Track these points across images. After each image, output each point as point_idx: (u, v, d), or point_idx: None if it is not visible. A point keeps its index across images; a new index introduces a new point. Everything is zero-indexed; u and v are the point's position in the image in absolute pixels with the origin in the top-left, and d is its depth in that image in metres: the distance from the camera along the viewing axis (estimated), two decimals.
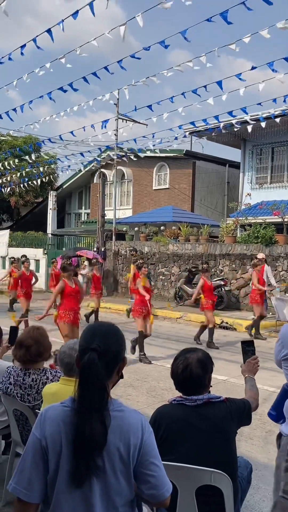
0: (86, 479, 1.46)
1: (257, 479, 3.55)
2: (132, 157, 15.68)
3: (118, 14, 75.47)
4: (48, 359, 3.20)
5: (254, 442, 4.43)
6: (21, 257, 12.79)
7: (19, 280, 11.23)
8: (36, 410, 2.80)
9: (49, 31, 6.97)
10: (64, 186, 28.04)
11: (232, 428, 2.24)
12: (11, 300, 13.09)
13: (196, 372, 2.23)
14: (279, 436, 2.50)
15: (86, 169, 22.57)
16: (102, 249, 17.27)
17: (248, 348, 2.73)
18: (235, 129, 12.73)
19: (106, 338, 1.58)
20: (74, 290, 6.91)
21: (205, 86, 8.82)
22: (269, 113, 12.14)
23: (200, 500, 2.05)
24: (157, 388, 6.12)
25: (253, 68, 7.86)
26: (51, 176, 24.64)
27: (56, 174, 26.18)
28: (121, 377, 1.67)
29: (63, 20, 6.78)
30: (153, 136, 13.47)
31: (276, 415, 2.61)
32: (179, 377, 2.26)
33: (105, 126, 12.45)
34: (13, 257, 15.17)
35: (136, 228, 18.66)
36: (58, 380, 2.94)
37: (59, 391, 2.69)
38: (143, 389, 6.08)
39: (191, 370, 2.23)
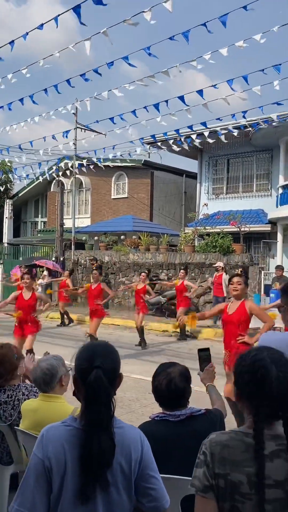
0: (92, 496, 1.50)
1: None
2: (91, 167, 15.69)
3: (68, 21, 75.31)
4: (14, 378, 3.11)
5: None
6: None
7: None
8: (15, 427, 2.77)
9: (12, 42, 6.93)
10: (20, 194, 27.54)
11: None
12: None
13: (180, 386, 2.28)
14: None
15: (43, 177, 22.31)
16: (61, 259, 17.09)
17: (205, 356, 2.77)
18: (196, 143, 13.06)
19: (105, 356, 1.63)
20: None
21: (166, 101, 9.05)
22: (226, 126, 12.57)
23: (185, 509, 2.11)
24: (124, 399, 6.15)
25: (214, 86, 8.15)
26: (8, 185, 24.14)
27: (12, 183, 25.68)
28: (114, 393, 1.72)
29: (27, 33, 6.76)
30: (113, 148, 13.56)
31: None
32: (163, 392, 2.28)
33: (66, 137, 12.42)
34: None
35: (96, 237, 18.63)
36: (34, 395, 2.93)
37: (39, 408, 2.69)
38: None
39: (176, 384, 2.27)
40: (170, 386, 2.27)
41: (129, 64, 7.13)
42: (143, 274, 10.47)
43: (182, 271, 10.98)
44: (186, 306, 10.47)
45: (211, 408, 2.48)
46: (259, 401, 1.38)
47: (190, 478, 2.11)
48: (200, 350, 2.79)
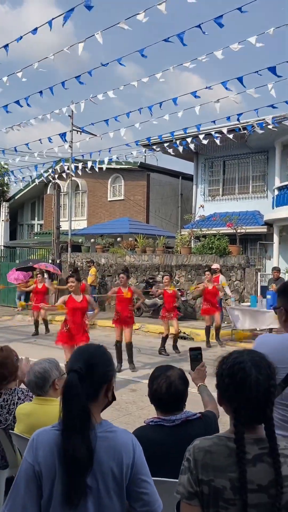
0: (78, 501, 1.48)
1: None
2: (87, 170, 15.69)
3: (62, 23, 75.43)
4: (15, 380, 3.13)
5: None
6: None
7: None
8: (10, 431, 2.75)
9: (6, 46, 6.93)
10: (16, 197, 27.49)
11: None
12: None
13: (181, 389, 2.27)
14: None
15: (39, 180, 22.28)
16: (58, 261, 17.06)
17: (196, 355, 2.75)
18: (191, 146, 13.08)
19: (91, 359, 1.61)
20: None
21: (160, 103, 9.06)
22: (220, 129, 12.59)
23: None
24: (121, 402, 6.13)
25: (208, 87, 8.18)
26: (4, 187, 24.10)
27: (8, 185, 25.63)
28: (113, 399, 1.70)
29: (21, 37, 6.76)
30: (109, 151, 13.57)
31: None
32: (163, 396, 2.26)
33: (65, 140, 12.42)
34: None
35: (92, 240, 18.62)
36: (30, 400, 2.91)
37: (33, 412, 2.67)
38: None
39: (176, 387, 2.26)
40: (170, 389, 2.25)
41: (121, 64, 7.16)
42: (166, 277, 9.80)
43: (166, 277, 9.99)
44: (172, 309, 9.82)
45: (205, 411, 2.47)
46: (238, 404, 1.37)
47: None
48: (191, 349, 2.77)
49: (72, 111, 16.40)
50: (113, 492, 1.54)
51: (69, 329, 6.51)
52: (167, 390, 2.25)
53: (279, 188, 16.09)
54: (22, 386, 3.16)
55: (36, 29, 6.60)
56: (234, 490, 1.33)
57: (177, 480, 2.10)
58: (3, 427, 2.91)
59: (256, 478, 1.33)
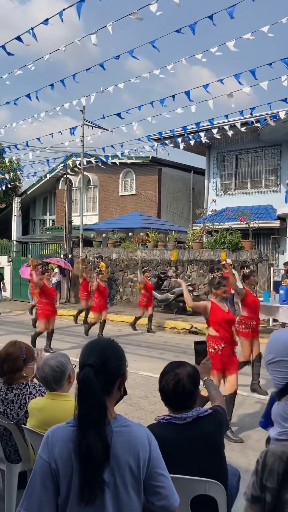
0: (94, 496, 1.46)
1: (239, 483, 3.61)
2: (100, 164, 15.66)
3: (73, 17, 75.29)
4: (22, 377, 3.09)
5: (233, 447, 4.50)
6: None
7: None
8: (22, 426, 2.75)
9: (18, 38, 6.90)
10: (28, 192, 27.61)
11: (222, 439, 2.27)
12: None
13: (189, 388, 2.22)
14: (268, 440, 2.56)
15: (51, 175, 22.32)
16: (69, 256, 17.11)
17: (201, 349, 2.72)
18: (203, 141, 12.97)
19: (104, 354, 1.59)
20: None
21: (173, 96, 8.97)
22: (233, 123, 12.46)
23: (195, 510, 2.08)
24: (133, 396, 6.11)
25: (220, 80, 8.06)
26: (16, 182, 24.21)
27: (20, 180, 25.74)
28: (125, 393, 1.67)
29: (32, 28, 6.72)
30: (122, 146, 13.52)
31: (264, 422, 2.67)
32: (170, 393, 2.22)
33: (73, 133, 12.41)
34: None
35: (104, 235, 18.61)
36: (42, 395, 2.90)
37: (46, 406, 2.66)
38: None
39: (184, 386, 2.20)
40: (178, 387, 2.20)
41: (133, 56, 7.08)
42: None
43: (146, 273, 11.74)
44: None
45: (214, 406, 2.43)
46: None
47: (200, 478, 2.08)
48: (196, 343, 2.73)
49: (84, 105, 16.41)
50: (130, 487, 1.52)
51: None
52: (174, 387, 2.20)
53: None
54: (34, 381, 3.15)
55: (47, 20, 6.55)
56: None
57: (189, 477, 2.09)
58: (15, 421, 2.91)
59: None
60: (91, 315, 10.91)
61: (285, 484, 1.26)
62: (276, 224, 16.10)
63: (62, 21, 6.65)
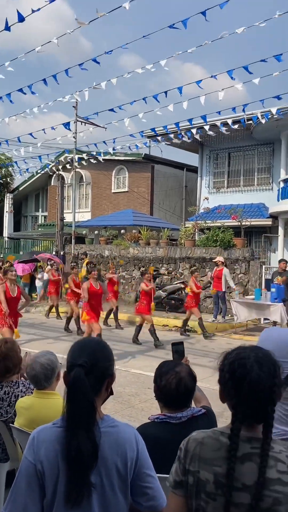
0: (81, 498, 1.44)
1: None
2: (92, 160, 15.58)
3: (64, 11, 74.95)
4: (20, 372, 3.10)
5: None
6: None
7: None
8: (10, 424, 2.71)
9: (6, 26, 6.82)
10: (20, 189, 27.45)
11: None
12: None
13: (190, 386, 2.21)
14: None
15: (43, 171, 22.19)
16: (61, 253, 17.03)
17: (179, 349, 2.70)
18: (197, 137, 12.95)
19: (94, 354, 1.57)
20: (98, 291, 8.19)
21: (165, 92, 8.93)
22: (226, 120, 12.44)
23: None
24: (123, 394, 6.10)
25: (214, 76, 8.05)
26: (8, 178, 24.04)
27: (12, 176, 25.58)
28: (111, 393, 1.65)
29: (23, 17, 6.63)
30: (114, 142, 13.45)
31: None
32: (172, 393, 2.18)
33: (69, 128, 12.31)
34: None
35: (96, 232, 18.56)
36: (31, 393, 2.87)
37: (34, 405, 2.63)
38: None
39: (186, 384, 2.19)
40: (180, 386, 2.18)
41: (124, 48, 7.03)
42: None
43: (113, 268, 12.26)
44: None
45: (205, 406, 2.42)
46: (237, 401, 1.34)
47: None
48: (173, 344, 2.72)
49: (76, 101, 16.30)
50: (118, 488, 1.50)
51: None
52: (176, 386, 2.18)
53: (285, 181, 15.92)
54: (22, 379, 3.12)
55: (39, 9, 6.48)
56: (216, 484, 1.31)
57: None
58: (3, 420, 2.87)
59: (242, 477, 1.29)
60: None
61: (204, 465, 1.34)
62: (268, 222, 16.14)
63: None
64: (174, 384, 2.18)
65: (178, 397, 2.19)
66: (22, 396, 2.85)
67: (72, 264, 12.21)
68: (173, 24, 6.58)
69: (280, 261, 11.52)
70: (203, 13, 6.12)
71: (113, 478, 1.49)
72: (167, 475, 1.98)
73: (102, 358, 1.58)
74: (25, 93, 8.71)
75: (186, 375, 2.22)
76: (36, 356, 2.75)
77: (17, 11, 6.72)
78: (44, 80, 8.56)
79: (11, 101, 9.08)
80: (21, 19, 6.80)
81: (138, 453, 1.55)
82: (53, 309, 13.01)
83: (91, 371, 1.51)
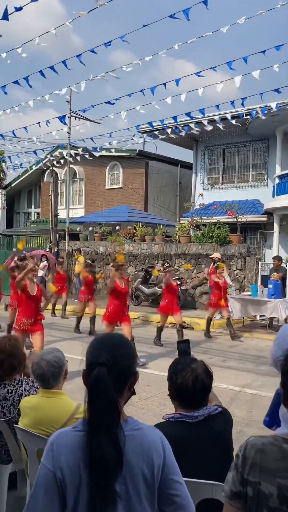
0: (105, 509, 1.32)
1: None
2: (87, 156, 15.42)
3: (54, 6, 74.43)
4: (23, 369, 2.99)
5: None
6: None
7: None
8: (14, 425, 2.59)
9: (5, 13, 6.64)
10: (12, 185, 27.18)
11: (231, 437, 2.17)
12: None
13: (207, 383, 2.12)
14: None
15: (36, 167, 21.98)
16: (55, 250, 16.86)
17: (184, 348, 2.62)
18: (193, 131, 12.84)
19: (115, 351, 1.45)
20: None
21: (164, 84, 8.79)
22: (224, 114, 12.34)
23: None
24: None
25: (212, 68, 7.94)
26: (0, 174, 23.79)
27: (4, 172, 25.31)
28: (133, 393, 1.53)
29: (21, 7, 6.46)
30: (110, 135, 13.31)
31: (269, 420, 2.56)
32: (188, 391, 2.09)
33: (64, 122, 12.14)
34: None
35: (90, 228, 18.40)
36: (35, 392, 2.75)
37: (39, 405, 2.51)
38: None
39: (203, 381, 2.10)
40: (197, 383, 2.09)
41: (123, 40, 6.90)
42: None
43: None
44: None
45: (221, 405, 2.32)
46: None
47: (207, 482, 1.96)
48: (179, 342, 2.63)
49: (70, 96, 16.11)
50: (144, 498, 1.38)
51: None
52: (193, 384, 2.08)
53: (280, 177, 15.87)
54: (25, 377, 3.01)
55: (21, 8, 6.33)
56: (281, 498, 1.16)
57: (197, 480, 1.96)
58: (6, 419, 2.75)
59: None
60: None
61: (266, 476, 1.21)
62: (263, 218, 16.09)
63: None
64: (191, 382, 2.08)
65: (195, 395, 2.09)
66: (26, 395, 2.73)
67: (60, 259, 11.88)
68: (174, 14, 6.45)
69: (273, 258, 11.49)
70: (205, 2, 5.99)
71: (140, 486, 1.37)
72: (189, 479, 1.90)
73: (124, 355, 1.46)
74: (20, 84, 8.55)
75: (202, 372, 2.14)
76: (42, 353, 2.62)
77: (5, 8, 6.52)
78: (41, 71, 8.36)
79: (5, 92, 8.89)
80: (5, 17, 6.62)
81: (165, 458, 1.43)
82: (57, 306, 12.83)
83: (113, 370, 1.39)
